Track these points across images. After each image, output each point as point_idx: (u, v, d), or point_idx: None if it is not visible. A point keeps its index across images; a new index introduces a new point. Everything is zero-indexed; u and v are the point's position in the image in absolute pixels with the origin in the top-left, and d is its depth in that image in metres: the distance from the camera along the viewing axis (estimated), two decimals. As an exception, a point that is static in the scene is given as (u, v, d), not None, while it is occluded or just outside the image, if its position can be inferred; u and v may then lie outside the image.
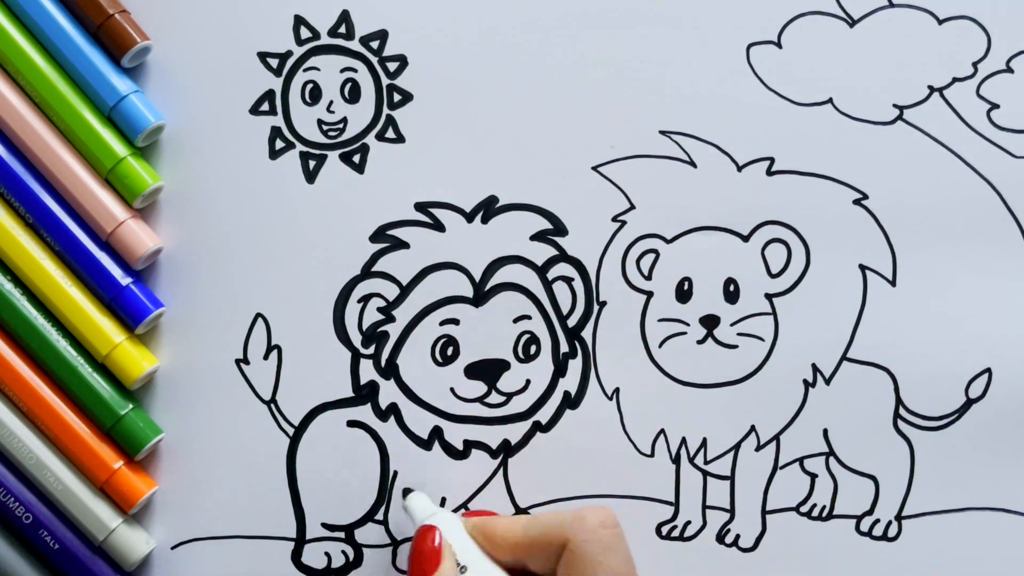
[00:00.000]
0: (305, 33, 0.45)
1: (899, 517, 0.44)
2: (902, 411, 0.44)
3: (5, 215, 0.42)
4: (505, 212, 0.45)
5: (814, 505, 0.44)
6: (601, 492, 0.44)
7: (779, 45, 0.45)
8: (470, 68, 0.45)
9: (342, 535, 0.44)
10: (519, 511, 0.44)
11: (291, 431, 0.44)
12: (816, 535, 0.44)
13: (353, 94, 0.45)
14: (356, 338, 0.44)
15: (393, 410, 0.44)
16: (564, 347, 0.44)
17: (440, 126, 0.45)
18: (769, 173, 0.44)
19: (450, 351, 0.44)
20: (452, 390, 0.44)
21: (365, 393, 0.44)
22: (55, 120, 0.43)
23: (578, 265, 0.44)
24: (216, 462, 0.44)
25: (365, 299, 0.44)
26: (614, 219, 0.45)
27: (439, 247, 0.44)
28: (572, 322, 0.44)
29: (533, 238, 0.45)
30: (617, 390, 0.44)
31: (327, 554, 0.44)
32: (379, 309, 0.44)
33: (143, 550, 0.43)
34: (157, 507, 0.44)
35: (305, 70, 0.45)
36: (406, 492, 0.43)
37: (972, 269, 0.44)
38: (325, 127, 0.45)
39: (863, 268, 0.44)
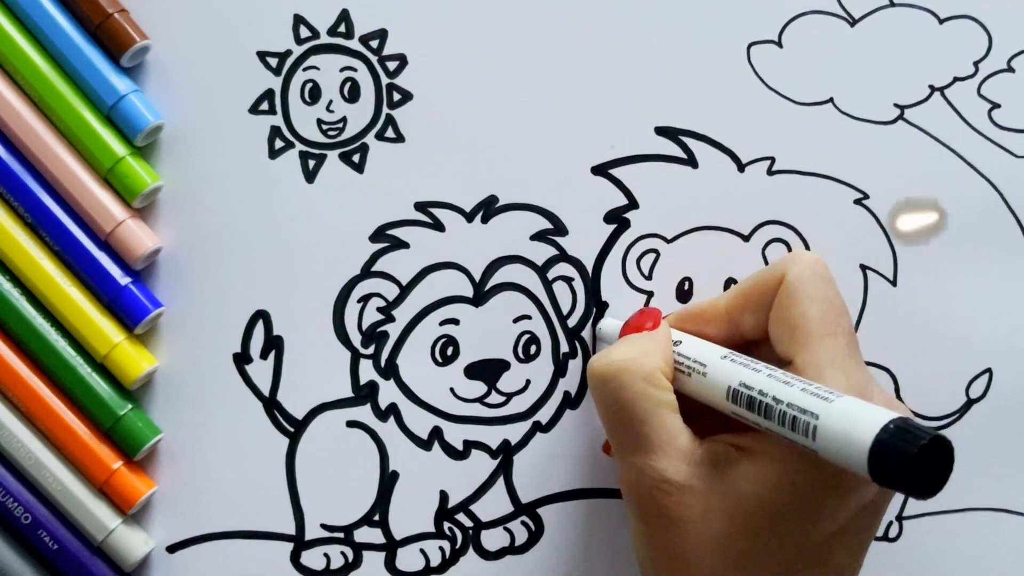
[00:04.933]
0: (304, 32, 0.45)
1: (900, 517, 0.44)
2: (903, 411, 0.44)
3: (4, 215, 0.42)
4: (505, 212, 0.44)
5: (815, 505, 0.44)
6: (601, 492, 0.44)
7: (779, 45, 0.45)
8: (470, 68, 0.45)
9: (341, 536, 0.44)
10: (520, 510, 0.44)
11: (291, 431, 0.44)
12: (817, 535, 0.44)
13: (353, 93, 0.45)
14: (356, 338, 0.44)
15: (393, 410, 0.44)
16: (564, 347, 0.44)
17: (440, 126, 0.45)
18: (770, 173, 0.44)
19: (450, 351, 0.44)
20: (452, 390, 0.44)
21: (365, 393, 0.44)
22: (54, 119, 0.43)
23: (578, 265, 0.44)
24: (215, 462, 0.44)
25: (365, 299, 0.44)
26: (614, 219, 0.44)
27: (439, 247, 0.44)
28: (572, 322, 0.44)
29: (533, 238, 0.44)
30: (617, 390, 0.44)
31: (326, 555, 0.44)
32: (379, 309, 0.44)
33: (142, 550, 0.43)
34: (156, 507, 0.44)
35: (304, 69, 0.45)
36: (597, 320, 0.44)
37: (973, 269, 0.44)
38: (325, 126, 0.45)
39: (864, 268, 0.44)
